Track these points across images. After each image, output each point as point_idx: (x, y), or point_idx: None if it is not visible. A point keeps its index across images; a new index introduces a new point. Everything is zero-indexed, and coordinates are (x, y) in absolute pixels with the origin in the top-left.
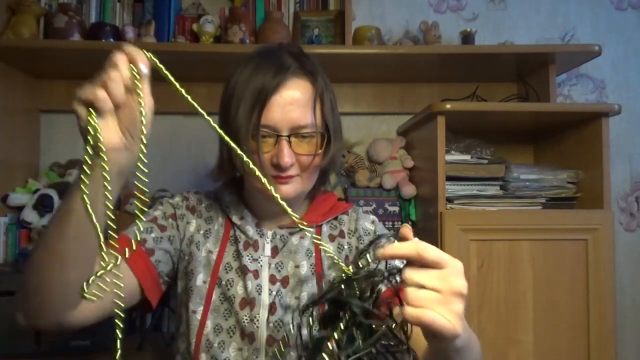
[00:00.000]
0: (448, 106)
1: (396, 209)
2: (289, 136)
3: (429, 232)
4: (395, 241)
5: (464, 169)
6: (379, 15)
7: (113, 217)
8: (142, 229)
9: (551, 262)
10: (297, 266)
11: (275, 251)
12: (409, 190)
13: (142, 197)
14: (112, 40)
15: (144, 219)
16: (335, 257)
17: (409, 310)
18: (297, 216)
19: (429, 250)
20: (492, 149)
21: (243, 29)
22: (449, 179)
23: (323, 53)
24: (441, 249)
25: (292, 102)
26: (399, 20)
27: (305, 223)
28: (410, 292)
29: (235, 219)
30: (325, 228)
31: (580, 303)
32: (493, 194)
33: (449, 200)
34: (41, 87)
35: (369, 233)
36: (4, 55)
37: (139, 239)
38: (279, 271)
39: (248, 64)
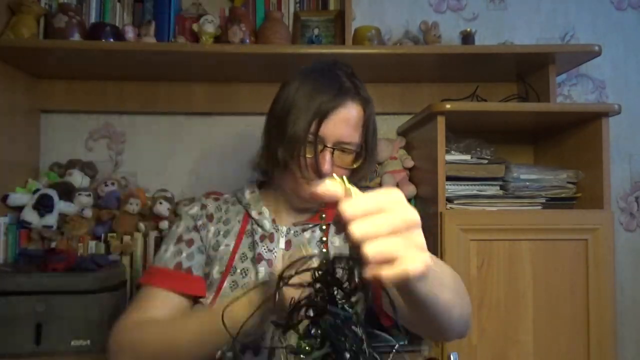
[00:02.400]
0: (448, 106)
1: None
2: (333, 148)
3: (429, 232)
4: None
5: (464, 169)
6: (379, 15)
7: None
8: (170, 253)
9: (551, 262)
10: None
11: (289, 244)
12: (409, 190)
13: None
14: (112, 40)
15: (171, 241)
16: None
17: (371, 270)
18: None
19: (355, 203)
20: (492, 149)
21: (243, 29)
22: (449, 179)
23: (323, 53)
24: (441, 249)
25: (344, 120)
26: (399, 20)
27: None
28: (368, 248)
29: (254, 213)
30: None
31: (580, 303)
32: (493, 194)
33: (449, 200)
34: (41, 87)
35: None
36: (4, 55)
37: (172, 266)
38: None
39: (306, 81)
